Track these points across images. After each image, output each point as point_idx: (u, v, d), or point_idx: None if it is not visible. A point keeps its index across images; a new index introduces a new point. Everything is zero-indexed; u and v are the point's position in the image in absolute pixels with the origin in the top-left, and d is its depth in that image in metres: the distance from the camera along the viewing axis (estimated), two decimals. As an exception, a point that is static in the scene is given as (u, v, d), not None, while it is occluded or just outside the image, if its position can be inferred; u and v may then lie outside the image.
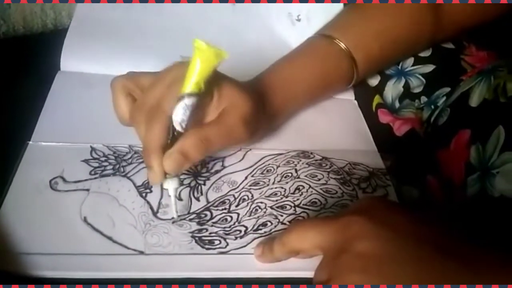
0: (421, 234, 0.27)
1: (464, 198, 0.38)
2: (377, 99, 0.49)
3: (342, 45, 0.44)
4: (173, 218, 0.34)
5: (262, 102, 0.39)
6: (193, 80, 0.30)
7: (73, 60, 0.46)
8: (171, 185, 0.33)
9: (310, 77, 0.43)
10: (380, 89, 0.50)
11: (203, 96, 0.31)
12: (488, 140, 0.37)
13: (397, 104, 0.50)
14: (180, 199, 0.36)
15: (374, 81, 0.51)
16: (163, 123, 0.31)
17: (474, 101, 0.41)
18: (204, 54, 0.29)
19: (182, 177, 0.38)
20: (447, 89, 0.48)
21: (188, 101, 0.30)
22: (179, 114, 0.31)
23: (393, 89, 0.50)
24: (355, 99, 0.50)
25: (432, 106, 0.49)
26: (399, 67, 0.50)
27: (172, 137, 0.32)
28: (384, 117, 0.47)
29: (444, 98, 0.48)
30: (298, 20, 0.54)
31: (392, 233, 0.27)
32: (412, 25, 0.45)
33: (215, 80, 0.33)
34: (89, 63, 0.46)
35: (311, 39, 0.46)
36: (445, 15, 0.46)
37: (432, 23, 0.45)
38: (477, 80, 0.43)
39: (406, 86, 0.49)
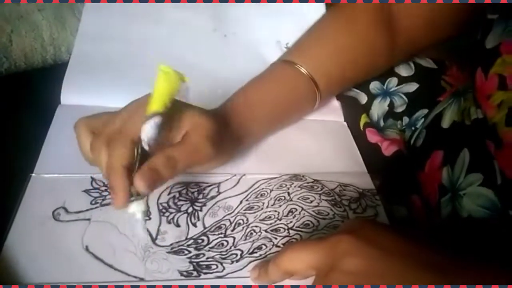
0: (406, 252, 0.28)
1: (439, 218, 0.39)
2: (364, 118, 0.50)
3: (303, 69, 0.44)
4: (147, 243, 0.34)
5: (224, 123, 0.39)
6: (159, 99, 0.31)
7: (73, 94, 0.47)
8: (138, 208, 0.33)
9: (272, 101, 0.44)
10: (367, 107, 0.52)
11: (168, 119, 0.32)
12: (455, 162, 0.38)
13: (382, 123, 0.51)
14: (178, 225, 0.37)
15: (362, 100, 0.52)
16: (125, 144, 0.32)
17: (445, 123, 0.42)
18: (168, 76, 0.31)
19: (179, 203, 0.40)
20: (426, 111, 0.50)
21: (156, 119, 0.31)
22: (148, 133, 0.31)
23: (379, 108, 0.51)
24: (345, 120, 0.52)
25: (412, 128, 0.50)
26: (385, 87, 0.52)
27: (139, 159, 0.32)
28: (372, 137, 0.49)
29: (423, 120, 0.50)
30: (287, 48, 0.56)
31: (378, 251, 0.28)
32: (368, 42, 0.46)
33: (178, 108, 0.34)
34: (88, 96, 0.47)
35: (273, 65, 0.46)
36: (399, 32, 0.46)
37: (387, 39, 0.46)
38: (449, 101, 0.44)
39: (391, 105, 0.51)
